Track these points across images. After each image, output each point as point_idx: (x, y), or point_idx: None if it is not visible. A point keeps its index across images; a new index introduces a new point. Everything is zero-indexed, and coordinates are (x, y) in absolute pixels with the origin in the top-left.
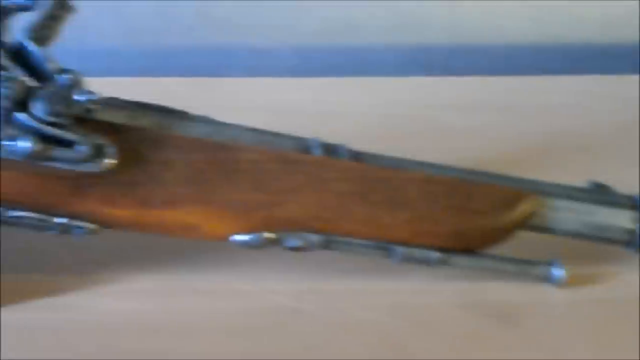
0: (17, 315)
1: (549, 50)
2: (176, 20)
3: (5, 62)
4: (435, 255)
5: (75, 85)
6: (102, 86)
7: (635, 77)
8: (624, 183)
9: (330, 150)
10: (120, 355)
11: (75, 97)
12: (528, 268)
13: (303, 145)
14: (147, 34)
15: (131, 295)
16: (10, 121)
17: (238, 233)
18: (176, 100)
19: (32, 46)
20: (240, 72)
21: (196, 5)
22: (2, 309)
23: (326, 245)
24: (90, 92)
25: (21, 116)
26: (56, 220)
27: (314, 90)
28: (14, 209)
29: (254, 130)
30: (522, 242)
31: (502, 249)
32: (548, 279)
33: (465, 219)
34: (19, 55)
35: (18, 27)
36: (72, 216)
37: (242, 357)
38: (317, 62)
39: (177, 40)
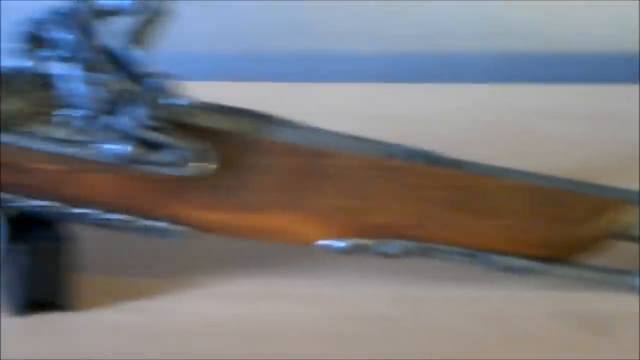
0: (107, 316)
1: None
2: (269, 25)
3: (105, 65)
4: (536, 264)
5: (173, 89)
6: (195, 90)
7: None
8: None
9: (423, 156)
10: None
11: (173, 101)
12: (620, 277)
13: (394, 152)
14: (241, 39)
15: (219, 300)
16: (108, 125)
17: (328, 238)
18: (267, 105)
19: (131, 50)
20: (331, 77)
21: (289, 11)
22: (94, 309)
23: (418, 252)
24: (188, 97)
25: (119, 120)
26: (152, 223)
27: (404, 96)
28: (110, 212)
29: (347, 136)
30: (615, 251)
31: (593, 257)
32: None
33: (558, 227)
34: (118, 59)
35: (118, 30)
36: (168, 220)
37: None
38: (407, 68)
39: (269, 46)
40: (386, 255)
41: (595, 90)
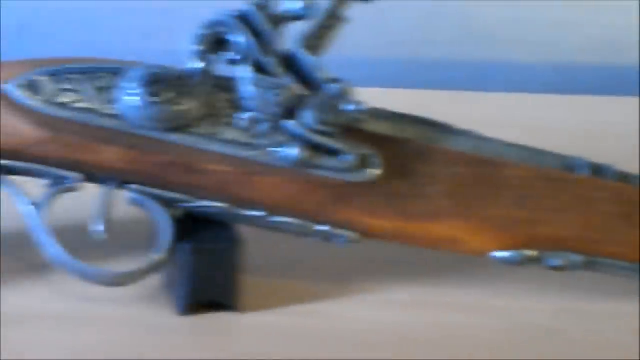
0: (272, 318)
1: None
2: (438, 33)
3: (277, 69)
4: None
5: (344, 95)
6: (362, 96)
7: None
8: None
9: (597, 170)
10: None
11: (344, 106)
12: None
13: (569, 164)
14: (408, 46)
15: (387, 306)
16: (278, 128)
17: (499, 249)
18: (435, 113)
19: (304, 55)
20: (501, 87)
21: (459, 19)
22: (260, 311)
23: (588, 266)
24: (358, 102)
25: (290, 123)
26: (318, 227)
27: (575, 108)
28: (277, 214)
29: (518, 146)
30: None
31: None
32: None
33: None
34: (291, 63)
35: (291, 35)
36: (333, 224)
37: None
38: (578, 80)
39: (438, 54)
40: (552, 267)
41: None
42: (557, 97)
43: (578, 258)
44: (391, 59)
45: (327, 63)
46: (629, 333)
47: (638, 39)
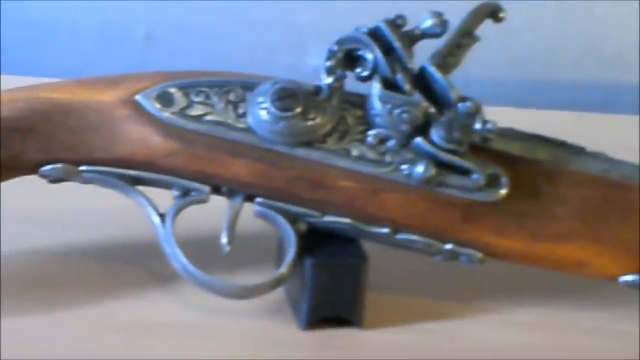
0: (399, 335)
1: None
2: (564, 54)
3: (407, 86)
4: None
5: (475, 113)
6: (489, 115)
7: None
8: None
9: None
10: None
11: (475, 125)
12: None
13: None
14: (533, 66)
15: (511, 327)
16: (407, 145)
17: (625, 273)
18: (561, 134)
19: (435, 73)
20: (628, 109)
21: (586, 41)
22: (383, 328)
23: None
24: (488, 122)
25: (418, 141)
26: (444, 246)
27: None
28: (403, 232)
29: None
30: None
31: None
32: None
33: None
34: (422, 81)
35: (422, 53)
36: (459, 243)
37: None
38: None
39: (564, 74)
40: None
41: None
42: None
43: None
44: (514, 78)
45: (455, 81)
46: None
47: None
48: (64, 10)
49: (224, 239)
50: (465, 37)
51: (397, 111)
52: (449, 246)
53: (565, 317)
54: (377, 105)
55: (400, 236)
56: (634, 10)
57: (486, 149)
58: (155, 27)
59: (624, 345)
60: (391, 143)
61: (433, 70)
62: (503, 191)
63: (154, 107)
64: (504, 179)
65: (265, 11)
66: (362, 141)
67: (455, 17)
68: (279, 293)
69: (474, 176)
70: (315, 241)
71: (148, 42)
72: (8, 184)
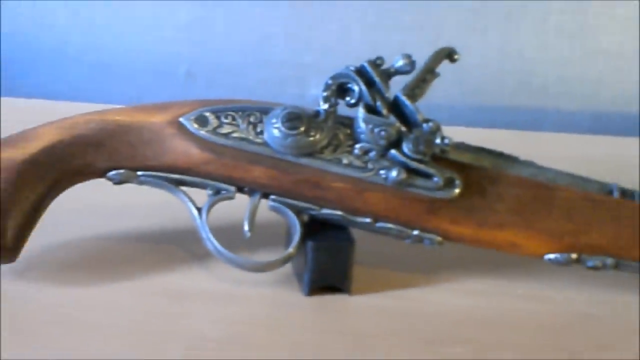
0: (379, 300)
1: None
2: (503, 86)
3: (384, 111)
4: None
5: (436, 131)
6: (446, 133)
7: None
8: None
9: (626, 193)
10: (455, 342)
11: (436, 140)
12: None
13: (606, 189)
14: (480, 95)
15: (465, 294)
16: (385, 156)
17: (549, 252)
18: (500, 147)
19: (406, 101)
20: (551, 128)
21: (519, 76)
22: (367, 294)
23: (617, 267)
24: (445, 138)
25: (393, 152)
26: (412, 232)
27: (607, 146)
28: (381, 221)
29: (567, 173)
30: None
31: None
32: None
33: None
34: (396, 107)
35: (396, 85)
36: (424, 230)
37: (542, 349)
38: (614, 124)
39: (503, 101)
40: (590, 267)
41: None
42: (591, 138)
43: (609, 261)
44: (467, 104)
45: (421, 107)
46: None
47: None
48: (126, 53)
49: (245, 227)
50: (429, 73)
51: (377, 130)
52: (416, 232)
53: (504, 286)
54: (362, 125)
55: (379, 225)
56: (557, 52)
57: (444, 158)
58: (194, 65)
59: (548, 307)
60: (372, 154)
61: (404, 99)
62: (457, 190)
63: (193, 127)
64: (457, 181)
65: (278, 53)
66: (351, 152)
67: (421, 58)
68: (288, 268)
69: (435, 179)
70: (315, 228)
71: (188, 78)
72: (76, 187)
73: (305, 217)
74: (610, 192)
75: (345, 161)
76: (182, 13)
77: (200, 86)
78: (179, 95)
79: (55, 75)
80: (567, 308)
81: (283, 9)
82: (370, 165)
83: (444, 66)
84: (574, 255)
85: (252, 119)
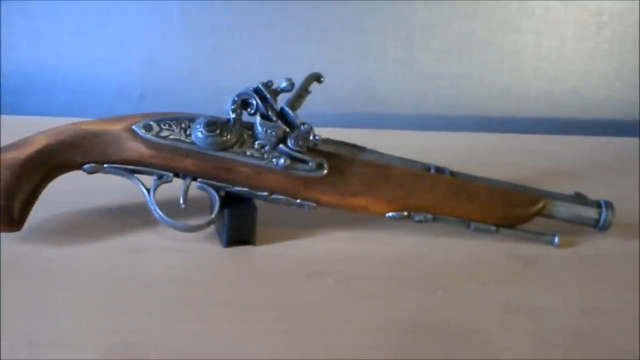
0: (277, 249)
1: None
2: (357, 97)
3: (275, 118)
4: (492, 228)
5: (309, 131)
6: (318, 131)
7: None
8: None
9: (439, 170)
10: (327, 275)
11: (310, 138)
12: (541, 236)
13: (425, 167)
14: (341, 105)
15: (334, 241)
16: (275, 149)
17: (389, 212)
18: (355, 140)
19: (289, 111)
20: (390, 127)
21: (367, 91)
22: (268, 245)
23: (435, 220)
24: (316, 135)
25: (281, 147)
26: (296, 201)
27: (428, 140)
28: (275, 194)
29: (399, 158)
30: (539, 223)
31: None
32: (551, 243)
33: (509, 209)
34: (282, 115)
35: (281, 100)
36: (303, 199)
37: (386, 278)
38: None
39: (358, 108)
40: (417, 221)
41: None
42: (413, 133)
43: (429, 216)
44: (333, 112)
45: (300, 114)
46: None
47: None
48: (97, 82)
49: (181, 201)
50: (304, 91)
51: (269, 131)
52: (298, 201)
53: (359, 235)
54: (259, 128)
55: (273, 196)
56: (392, 76)
57: (315, 149)
58: (145, 89)
59: (389, 248)
60: (267, 147)
61: (287, 109)
62: (325, 171)
63: (141, 132)
64: (325, 165)
65: (203, 80)
66: (252, 147)
67: (298, 80)
68: (211, 229)
69: (310, 164)
70: (230, 200)
71: (141, 99)
72: (61, 177)
73: (223, 193)
74: (429, 169)
75: (248, 153)
76: (135, 53)
77: (149, 104)
78: (134, 111)
79: (46, 100)
80: (401, 248)
81: (205, 48)
82: (266, 156)
83: (315, 86)
84: (405, 213)
85: (183, 125)
